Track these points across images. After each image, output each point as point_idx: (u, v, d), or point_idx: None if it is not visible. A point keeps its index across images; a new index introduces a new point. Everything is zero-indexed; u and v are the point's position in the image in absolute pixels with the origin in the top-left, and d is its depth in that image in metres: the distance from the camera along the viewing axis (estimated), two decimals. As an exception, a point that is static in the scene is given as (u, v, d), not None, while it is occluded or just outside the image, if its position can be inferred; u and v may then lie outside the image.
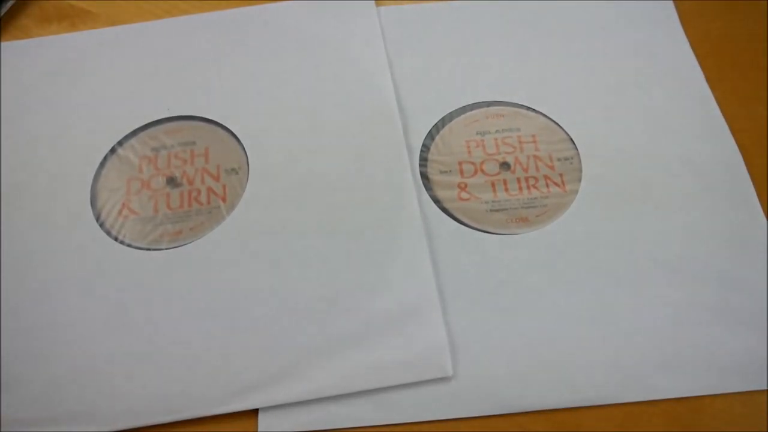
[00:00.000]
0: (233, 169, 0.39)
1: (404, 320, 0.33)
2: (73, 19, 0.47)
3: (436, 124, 0.41)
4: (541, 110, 0.41)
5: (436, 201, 0.38)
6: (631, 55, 0.44)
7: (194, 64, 0.44)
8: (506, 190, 0.38)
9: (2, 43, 0.45)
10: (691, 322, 0.33)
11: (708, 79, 0.42)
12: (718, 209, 0.37)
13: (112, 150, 0.40)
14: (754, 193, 0.38)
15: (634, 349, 0.33)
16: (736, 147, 0.39)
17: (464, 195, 0.38)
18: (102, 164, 0.39)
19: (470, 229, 0.37)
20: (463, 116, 0.41)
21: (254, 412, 0.32)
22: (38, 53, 0.45)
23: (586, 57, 0.44)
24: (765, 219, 0.37)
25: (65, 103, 0.42)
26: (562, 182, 0.38)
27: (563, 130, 0.40)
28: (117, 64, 0.44)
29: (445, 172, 0.39)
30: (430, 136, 0.40)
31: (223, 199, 0.38)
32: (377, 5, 0.46)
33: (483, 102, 0.42)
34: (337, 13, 0.46)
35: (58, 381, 0.32)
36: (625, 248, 0.36)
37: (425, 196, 0.38)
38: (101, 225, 0.37)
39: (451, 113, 0.41)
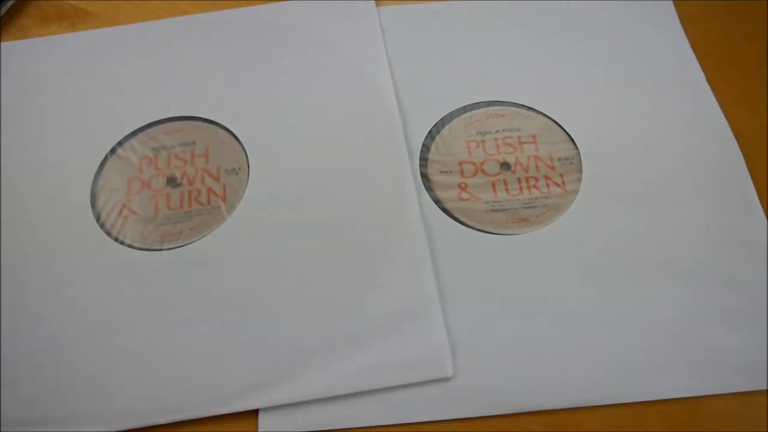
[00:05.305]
0: (233, 170, 0.39)
1: (404, 320, 0.33)
2: (73, 19, 0.47)
3: (436, 124, 0.41)
4: (541, 110, 0.41)
5: (437, 201, 0.38)
6: (631, 55, 0.44)
7: (194, 64, 0.43)
8: (507, 190, 0.38)
9: (2, 43, 0.45)
10: (691, 322, 0.33)
11: (708, 79, 0.42)
12: (718, 209, 0.37)
13: (112, 150, 0.40)
14: (755, 193, 0.37)
15: (634, 349, 0.33)
16: (736, 147, 0.39)
17: (464, 195, 0.38)
18: (102, 164, 0.39)
19: (470, 230, 0.37)
20: (463, 116, 0.41)
21: (254, 413, 0.32)
22: (38, 53, 0.44)
23: (586, 57, 0.44)
24: (765, 219, 0.37)
25: (65, 104, 0.42)
26: (563, 182, 0.38)
27: (563, 130, 0.40)
28: (117, 64, 0.44)
29: (446, 172, 0.39)
30: (430, 136, 0.40)
31: (223, 200, 0.38)
32: (377, 5, 0.46)
33: (483, 102, 0.42)
34: (337, 13, 0.45)
35: (58, 381, 0.32)
36: (625, 248, 0.36)
37: (425, 196, 0.38)
38: (101, 225, 0.37)
39: (451, 113, 0.41)
